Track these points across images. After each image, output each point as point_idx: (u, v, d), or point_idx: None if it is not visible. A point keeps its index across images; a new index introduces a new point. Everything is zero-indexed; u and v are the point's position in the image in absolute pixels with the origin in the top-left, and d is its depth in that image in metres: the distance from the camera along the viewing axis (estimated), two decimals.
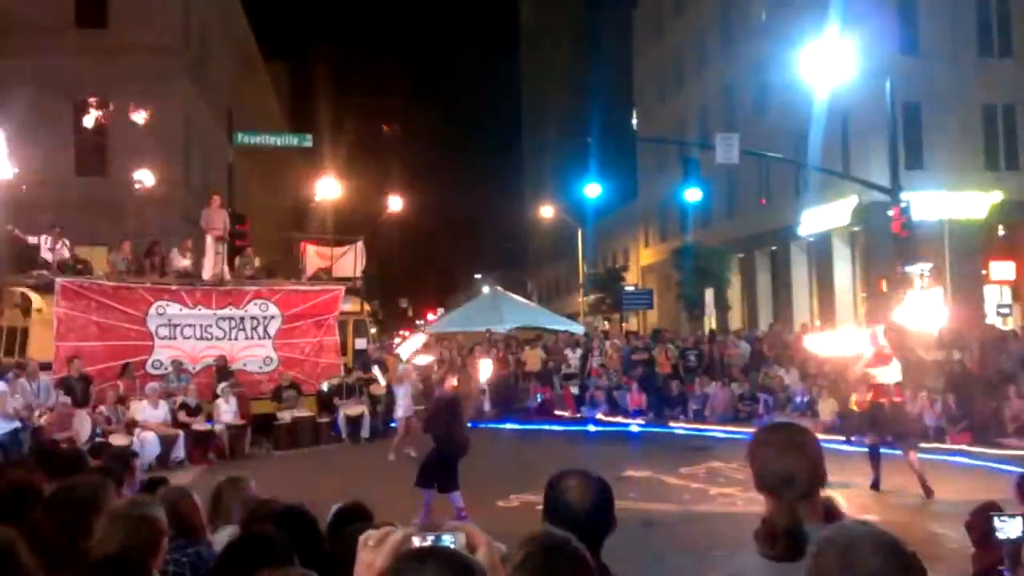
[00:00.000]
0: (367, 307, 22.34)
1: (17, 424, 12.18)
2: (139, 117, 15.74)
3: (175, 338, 17.12)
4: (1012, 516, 2.65)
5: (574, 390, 21.78)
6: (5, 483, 4.01)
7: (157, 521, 3.09)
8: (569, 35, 61.10)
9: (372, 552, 1.72)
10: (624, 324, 39.38)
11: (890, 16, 25.79)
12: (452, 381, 10.59)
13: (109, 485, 3.36)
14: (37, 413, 13.18)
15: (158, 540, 3.06)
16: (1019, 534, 2.60)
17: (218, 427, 15.49)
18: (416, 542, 1.69)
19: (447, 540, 1.68)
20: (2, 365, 14.56)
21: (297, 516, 3.66)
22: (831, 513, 2.51)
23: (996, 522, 2.62)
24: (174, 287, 17.40)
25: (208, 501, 4.08)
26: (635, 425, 19.07)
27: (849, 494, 10.25)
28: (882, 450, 11.17)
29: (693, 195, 21.82)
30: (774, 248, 32.15)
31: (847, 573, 1.69)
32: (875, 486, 10.92)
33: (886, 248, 21.30)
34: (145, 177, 22.19)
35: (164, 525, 3.13)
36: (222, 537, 3.95)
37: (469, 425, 19.44)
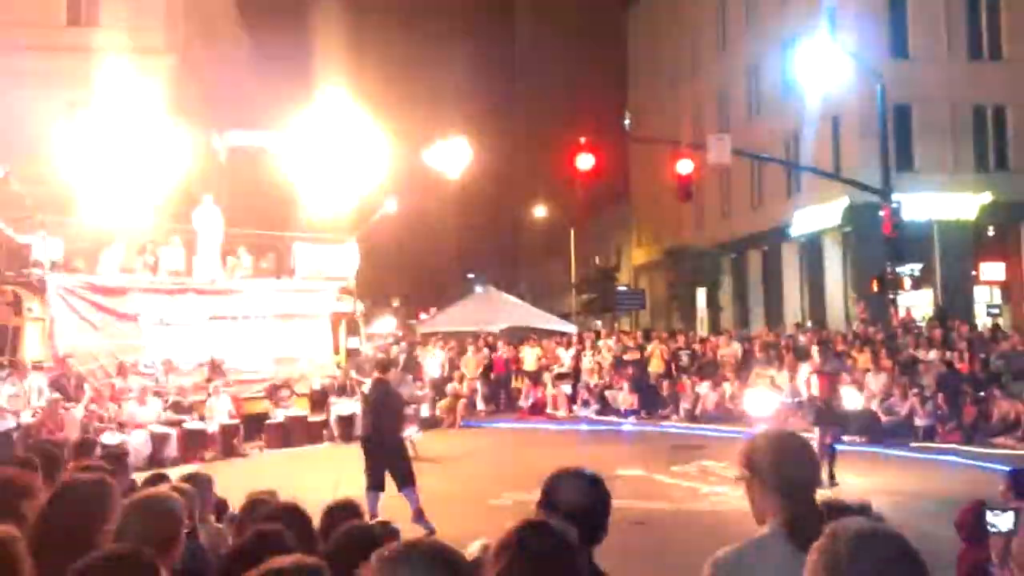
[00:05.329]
0: (359, 306, 22.31)
1: (11, 423, 12.15)
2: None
3: (167, 337, 17.09)
4: (1004, 510, 2.69)
5: (567, 389, 21.82)
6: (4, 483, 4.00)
7: (176, 513, 3.13)
8: (564, 35, 61.15)
9: None
10: (616, 324, 39.48)
11: (880, 19, 25.90)
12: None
13: (113, 483, 3.37)
14: (30, 412, 13.15)
15: (177, 532, 3.10)
16: (1011, 527, 2.64)
17: (210, 426, 15.48)
18: None
19: None
20: None
21: (291, 514, 3.70)
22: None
23: (989, 516, 2.67)
24: (166, 286, 17.37)
25: None
26: (627, 424, 19.12)
27: (836, 492, 10.31)
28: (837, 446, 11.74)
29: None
30: (766, 248, 32.25)
31: (857, 561, 1.75)
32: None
33: (877, 248, 21.40)
34: (136, 176, 22.08)
35: (183, 517, 3.17)
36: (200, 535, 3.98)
37: (461, 424, 19.67)
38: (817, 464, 2.64)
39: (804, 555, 2.25)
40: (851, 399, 14.71)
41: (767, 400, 16.31)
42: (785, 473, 2.53)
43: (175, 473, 12.19)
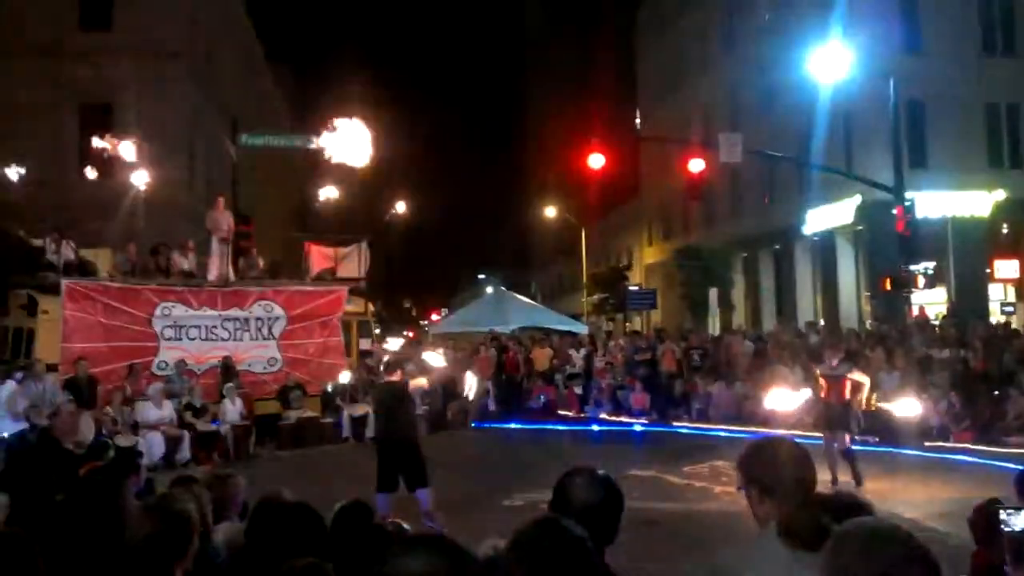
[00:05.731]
0: (371, 307, 22.38)
1: (25, 425, 12.23)
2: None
3: (180, 339, 17.18)
4: (1019, 509, 2.64)
5: (578, 390, 21.79)
6: (19, 486, 4.04)
7: (188, 516, 3.15)
8: (573, 34, 61.14)
9: None
10: (628, 324, 39.41)
11: (893, 15, 25.78)
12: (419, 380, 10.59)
13: (125, 485, 3.40)
14: (44, 415, 13.23)
15: (189, 535, 3.12)
16: None
17: (223, 428, 15.54)
18: None
19: None
20: (9, 366, 14.62)
21: (303, 514, 3.71)
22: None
23: (1003, 515, 2.62)
24: (179, 288, 17.46)
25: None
26: (639, 425, 19.09)
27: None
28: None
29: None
30: (778, 247, 32.14)
31: (868, 562, 1.77)
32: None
33: (890, 247, 21.29)
34: (150, 179, 22.27)
35: (196, 519, 3.18)
36: (217, 534, 4.00)
37: (472, 425, 19.70)
38: (813, 466, 2.64)
39: (804, 556, 2.27)
40: (906, 408, 14.69)
41: (788, 399, 16.13)
42: (782, 477, 2.57)
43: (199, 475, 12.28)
